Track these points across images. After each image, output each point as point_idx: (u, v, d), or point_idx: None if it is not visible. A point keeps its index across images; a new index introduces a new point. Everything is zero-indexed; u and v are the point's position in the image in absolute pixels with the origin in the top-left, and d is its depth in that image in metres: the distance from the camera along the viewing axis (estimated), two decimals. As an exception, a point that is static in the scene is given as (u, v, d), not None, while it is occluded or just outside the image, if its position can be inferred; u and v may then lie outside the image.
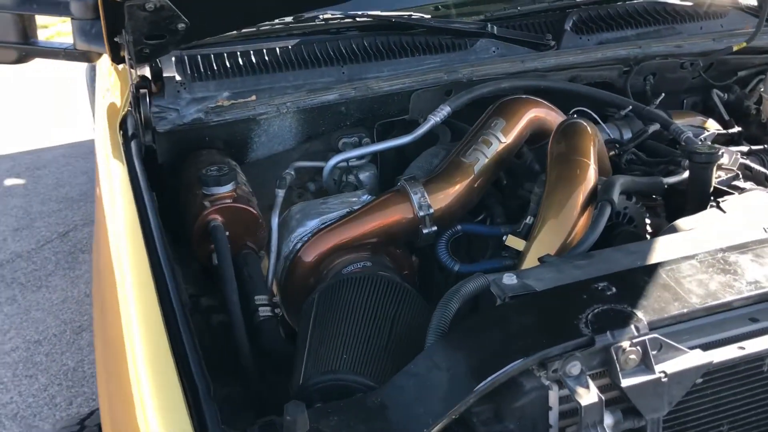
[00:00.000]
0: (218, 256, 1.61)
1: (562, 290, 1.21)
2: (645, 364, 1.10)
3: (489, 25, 2.28)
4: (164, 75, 2.08)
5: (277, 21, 2.24)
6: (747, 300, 1.19)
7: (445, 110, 1.98)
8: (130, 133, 1.95)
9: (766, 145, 2.11)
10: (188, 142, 2.01)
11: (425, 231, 1.70)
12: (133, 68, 1.87)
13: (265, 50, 2.17)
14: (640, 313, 1.14)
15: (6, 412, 3.07)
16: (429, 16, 2.34)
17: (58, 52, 2.24)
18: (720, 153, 1.64)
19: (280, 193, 1.89)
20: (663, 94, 2.27)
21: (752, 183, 1.79)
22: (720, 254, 1.29)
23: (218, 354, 1.58)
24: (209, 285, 1.73)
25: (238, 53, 2.16)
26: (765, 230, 1.38)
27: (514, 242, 1.56)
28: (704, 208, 1.62)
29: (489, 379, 1.05)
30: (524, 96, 1.99)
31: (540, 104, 1.97)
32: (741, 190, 1.65)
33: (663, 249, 1.33)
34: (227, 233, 1.69)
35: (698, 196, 1.66)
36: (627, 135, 2.14)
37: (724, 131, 2.23)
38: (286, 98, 2.03)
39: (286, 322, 1.79)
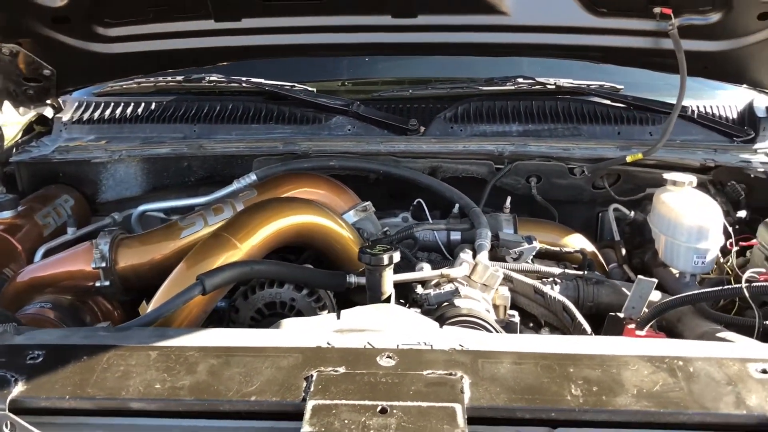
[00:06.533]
0: None
1: (7, 349, 1.17)
2: (-16, 436, 1.03)
3: (355, 104, 2.21)
4: (56, 116, 2.34)
5: (170, 79, 2.41)
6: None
7: (251, 178, 1.97)
8: None
9: (585, 272, 1.76)
10: (44, 175, 2.23)
11: (98, 284, 1.67)
12: None
13: (143, 104, 2.33)
14: (20, 388, 1.06)
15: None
16: (314, 90, 2.34)
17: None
18: (388, 259, 1.43)
19: (70, 230, 2.00)
20: (509, 197, 1.99)
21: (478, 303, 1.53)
22: (207, 353, 1.13)
23: None
24: None
25: (122, 104, 2.35)
26: (328, 343, 1.20)
27: (143, 309, 1.51)
28: None
29: None
30: (309, 174, 1.90)
31: (326, 185, 1.87)
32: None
33: (195, 337, 1.21)
34: None
35: (370, 298, 1.47)
36: (456, 236, 1.93)
37: (573, 251, 1.90)
38: (122, 146, 2.17)
39: None
